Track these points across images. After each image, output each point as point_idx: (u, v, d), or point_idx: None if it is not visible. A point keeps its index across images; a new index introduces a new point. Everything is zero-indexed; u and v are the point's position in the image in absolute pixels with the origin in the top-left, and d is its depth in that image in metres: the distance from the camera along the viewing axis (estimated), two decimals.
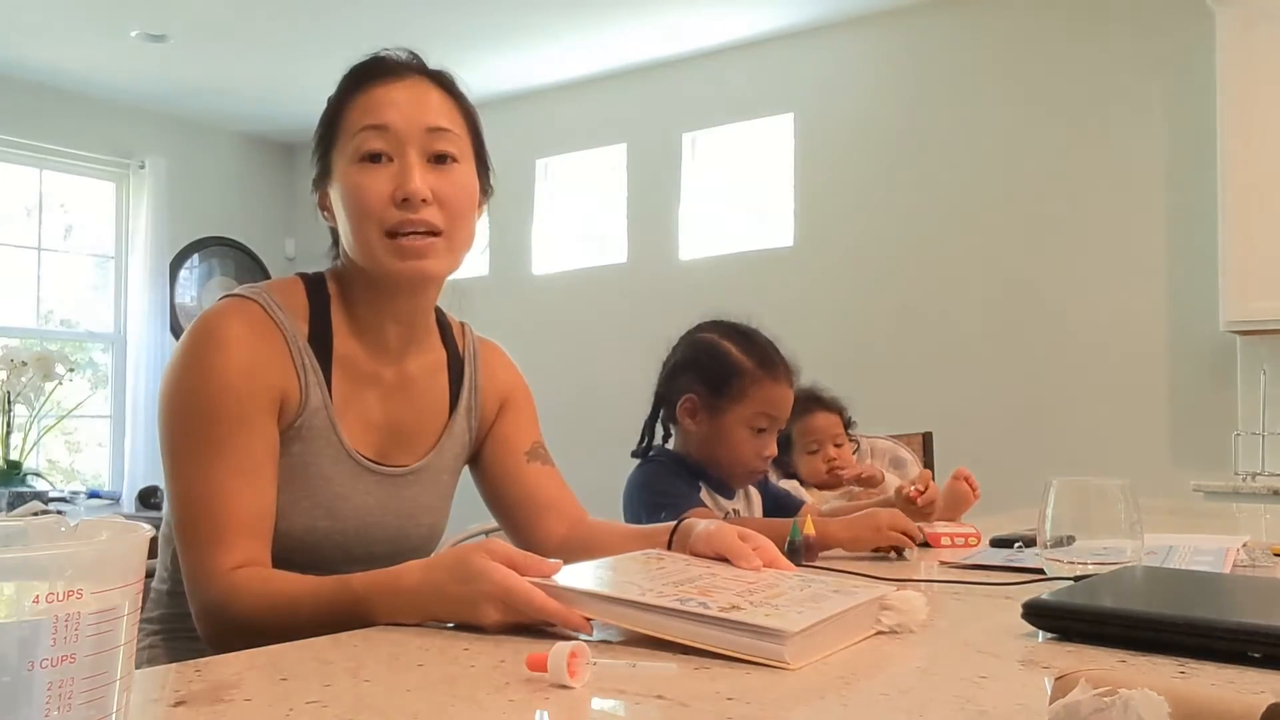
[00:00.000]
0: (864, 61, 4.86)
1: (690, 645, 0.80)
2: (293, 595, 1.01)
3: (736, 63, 5.21)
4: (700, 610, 0.81)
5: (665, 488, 1.68)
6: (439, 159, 1.17)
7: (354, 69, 1.21)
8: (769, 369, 1.71)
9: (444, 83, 1.22)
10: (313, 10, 4.77)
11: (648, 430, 1.82)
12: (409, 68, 1.21)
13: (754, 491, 1.88)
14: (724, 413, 1.70)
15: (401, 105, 1.16)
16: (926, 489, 1.76)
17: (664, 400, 1.80)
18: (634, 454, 1.81)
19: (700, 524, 1.13)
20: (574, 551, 1.20)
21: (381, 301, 1.21)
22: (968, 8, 4.58)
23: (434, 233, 1.16)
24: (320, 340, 1.18)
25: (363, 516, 1.20)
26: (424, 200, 1.14)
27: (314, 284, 1.23)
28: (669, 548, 1.15)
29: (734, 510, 1.79)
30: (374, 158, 1.15)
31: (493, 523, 1.42)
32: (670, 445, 1.81)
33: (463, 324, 1.38)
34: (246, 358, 1.11)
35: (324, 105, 1.22)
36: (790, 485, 2.14)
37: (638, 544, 1.18)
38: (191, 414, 1.10)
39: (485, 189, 1.26)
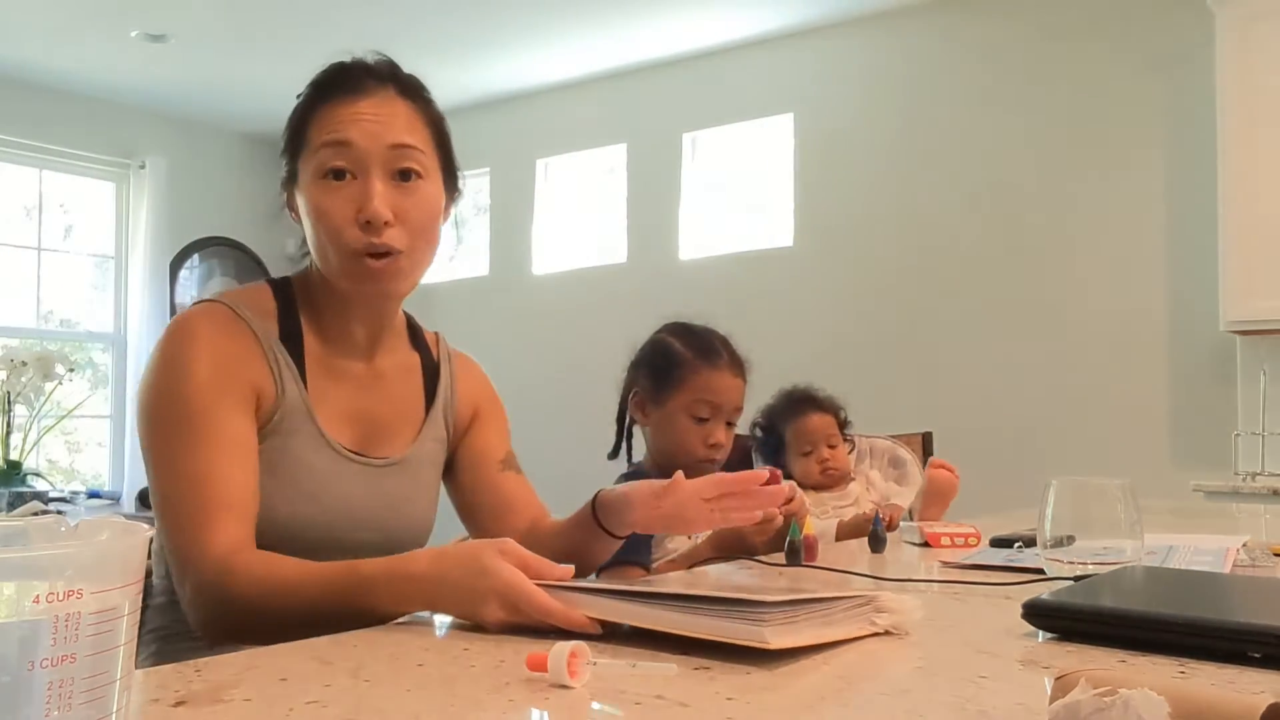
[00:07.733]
0: (863, 62, 4.86)
1: (683, 635, 0.81)
2: (297, 577, 1.00)
3: (736, 63, 5.21)
4: (685, 591, 0.86)
5: None
6: (403, 175, 1.17)
7: (318, 79, 1.21)
8: (707, 357, 1.77)
9: (409, 92, 1.21)
10: (313, 11, 4.77)
11: (619, 434, 1.88)
12: (374, 77, 1.19)
13: None
14: (666, 403, 1.77)
15: (365, 121, 1.16)
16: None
17: (623, 402, 1.86)
18: (610, 456, 1.87)
19: (618, 490, 1.20)
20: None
21: (348, 308, 1.23)
22: (967, 8, 4.58)
23: (396, 252, 1.17)
24: (291, 338, 1.21)
25: (348, 503, 1.20)
26: (386, 222, 1.15)
27: (280, 288, 1.26)
28: (594, 519, 1.22)
29: None
30: (337, 174, 1.16)
31: None
32: (643, 456, 1.85)
33: (436, 334, 1.41)
34: (218, 353, 1.13)
35: None
36: None
37: (570, 532, 1.26)
38: (168, 409, 1.11)
39: (453, 194, 1.27)
